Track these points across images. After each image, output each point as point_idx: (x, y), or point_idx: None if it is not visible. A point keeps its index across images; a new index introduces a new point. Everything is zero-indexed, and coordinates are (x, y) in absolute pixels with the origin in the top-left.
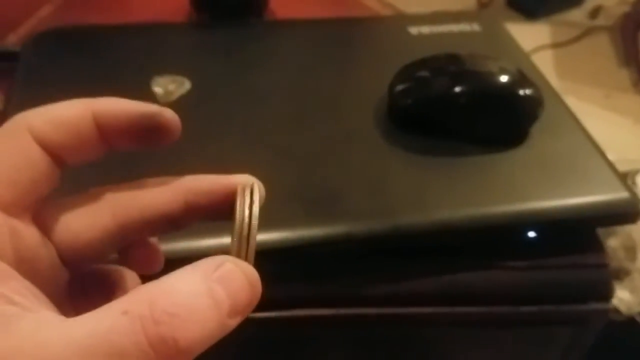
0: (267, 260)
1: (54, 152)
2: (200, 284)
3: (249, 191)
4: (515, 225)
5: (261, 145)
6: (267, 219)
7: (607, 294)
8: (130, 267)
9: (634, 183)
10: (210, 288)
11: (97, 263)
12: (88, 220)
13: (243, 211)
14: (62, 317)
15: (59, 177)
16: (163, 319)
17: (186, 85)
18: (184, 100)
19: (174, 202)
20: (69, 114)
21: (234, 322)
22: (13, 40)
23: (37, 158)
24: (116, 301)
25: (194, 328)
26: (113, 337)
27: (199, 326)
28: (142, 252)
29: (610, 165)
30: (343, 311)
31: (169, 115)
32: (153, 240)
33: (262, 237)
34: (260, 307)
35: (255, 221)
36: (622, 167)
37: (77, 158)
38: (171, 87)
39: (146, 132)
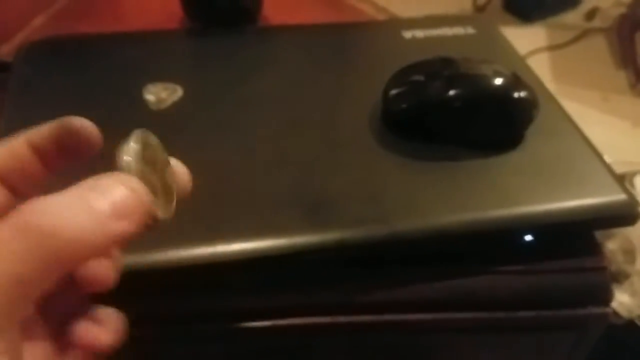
0: (262, 268)
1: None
2: (74, 193)
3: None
4: (512, 229)
5: (254, 152)
6: (262, 227)
7: (607, 298)
8: None
9: (631, 185)
10: (82, 195)
11: None
12: None
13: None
14: None
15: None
16: (32, 213)
17: (179, 92)
18: (176, 108)
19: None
20: (11, 143)
21: (121, 224)
22: (6, 50)
23: None
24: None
25: (63, 219)
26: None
27: (69, 219)
28: None
29: (608, 167)
30: (340, 319)
31: (79, 122)
32: None
33: (257, 245)
34: (256, 315)
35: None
36: (619, 170)
37: (24, 182)
38: (163, 94)
39: (67, 140)
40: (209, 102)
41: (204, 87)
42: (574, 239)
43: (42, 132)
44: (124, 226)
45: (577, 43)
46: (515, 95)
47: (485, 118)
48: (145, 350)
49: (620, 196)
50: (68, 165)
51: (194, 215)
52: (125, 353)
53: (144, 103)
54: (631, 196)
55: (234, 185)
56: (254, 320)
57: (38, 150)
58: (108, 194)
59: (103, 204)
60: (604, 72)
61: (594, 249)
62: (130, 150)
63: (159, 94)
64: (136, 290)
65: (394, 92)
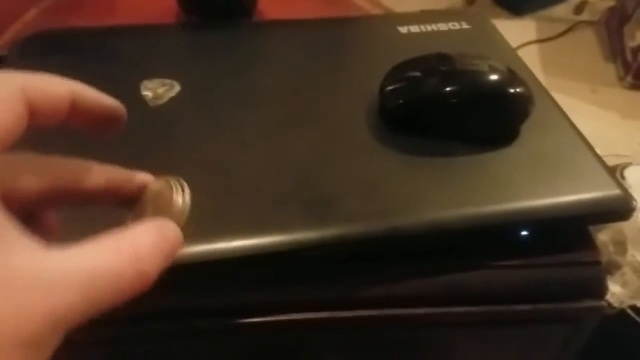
0: (260, 264)
1: (33, 113)
2: (154, 236)
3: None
4: (507, 224)
5: (252, 148)
6: (260, 223)
7: (602, 291)
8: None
9: (622, 177)
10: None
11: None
12: (30, 181)
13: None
14: (45, 246)
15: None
16: (143, 258)
17: (176, 88)
18: (173, 103)
19: (96, 184)
20: (59, 91)
21: (156, 269)
22: None
23: (20, 114)
24: (102, 240)
25: (154, 264)
26: (110, 269)
27: (155, 263)
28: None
29: (602, 162)
30: (338, 314)
31: (124, 116)
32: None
33: (255, 241)
34: (254, 311)
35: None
36: (609, 162)
37: (42, 122)
38: (160, 90)
39: (104, 121)
40: (206, 97)
41: (200, 83)
42: (569, 233)
43: (91, 98)
44: (145, 268)
45: (566, 36)
46: (511, 90)
47: (481, 113)
48: (140, 347)
49: (615, 191)
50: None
51: (190, 212)
52: (120, 349)
53: (141, 99)
54: (625, 191)
55: (231, 181)
56: (252, 316)
57: (74, 108)
58: (136, 237)
59: (129, 250)
60: (593, 65)
61: (589, 243)
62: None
63: (156, 90)
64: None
65: (390, 87)
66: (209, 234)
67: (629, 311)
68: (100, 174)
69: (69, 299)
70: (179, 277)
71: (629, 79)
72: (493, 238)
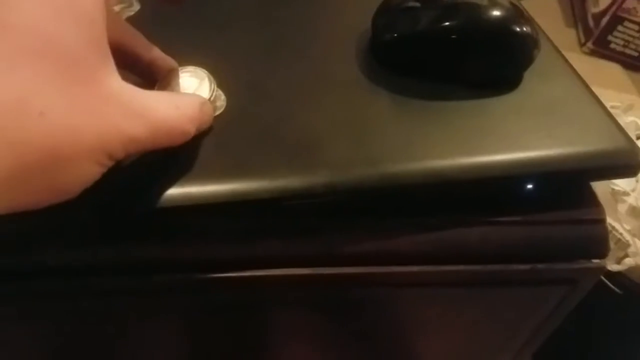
0: (239, 214)
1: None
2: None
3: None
4: (505, 176)
5: (226, 85)
6: (237, 168)
7: (603, 251)
8: None
9: None
10: (172, 98)
11: None
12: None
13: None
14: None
15: None
16: (191, 120)
17: (135, 6)
18: (132, 23)
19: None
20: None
21: (189, 126)
22: None
23: None
24: (166, 96)
25: (194, 127)
26: (171, 120)
27: (195, 128)
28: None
29: (608, 114)
30: (321, 270)
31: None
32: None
33: (231, 187)
34: (233, 266)
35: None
36: None
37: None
38: (117, 8)
39: (155, 73)
40: (170, 18)
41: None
42: (571, 189)
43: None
44: (190, 128)
45: (527, 0)
46: (517, 29)
47: (483, 53)
48: (100, 301)
49: (623, 144)
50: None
51: (161, 155)
52: (80, 304)
53: None
54: (634, 145)
55: None
56: (228, 271)
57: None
58: (188, 102)
59: (185, 110)
60: (554, 29)
61: (591, 200)
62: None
63: (113, 8)
64: (107, 236)
65: (383, 20)
66: (179, 179)
67: (603, 277)
68: (148, 46)
69: (140, 129)
70: (144, 225)
71: (590, 45)
72: (490, 192)
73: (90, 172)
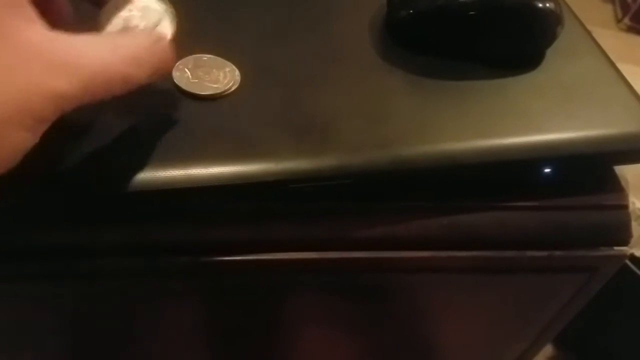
0: (246, 197)
1: None
2: (148, 45)
3: None
4: (524, 159)
5: (238, 61)
6: (244, 148)
7: (625, 238)
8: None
9: None
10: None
11: None
12: None
13: None
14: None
15: None
16: (136, 62)
17: None
18: None
19: None
20: None
21: (136, 71)
22: None
23: None
24: (102, 39)
25: (144, 70)
26: (106, 66)
27: (145, 70)
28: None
29: (635, 95)
30: (331, 255)
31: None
32: None
33: (239, 169)
34: (239, 249)
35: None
36: None
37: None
38: None
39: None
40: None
41: None
42: (593, 173)
43: None
44: (135, 73)
45: None
46: (539, 4)
47: (503, 30)
48: (103, 283)
49: None
50: None
51: (167, 135)
52: (82, 286)
53: None
54: None
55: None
56: (234, 254)
57: None
58: (132, 42)
59: (126, 51)
60: (589, 5)
61: (615, 184)
62: None
63: None
64: (107, 217)
65: None
66: (184, 159)
67: (628, 262)
68: None
69: (69, 82)
70: (149, 206)
71: (627, 21)
72: (507, 175)
73: (18, 139)
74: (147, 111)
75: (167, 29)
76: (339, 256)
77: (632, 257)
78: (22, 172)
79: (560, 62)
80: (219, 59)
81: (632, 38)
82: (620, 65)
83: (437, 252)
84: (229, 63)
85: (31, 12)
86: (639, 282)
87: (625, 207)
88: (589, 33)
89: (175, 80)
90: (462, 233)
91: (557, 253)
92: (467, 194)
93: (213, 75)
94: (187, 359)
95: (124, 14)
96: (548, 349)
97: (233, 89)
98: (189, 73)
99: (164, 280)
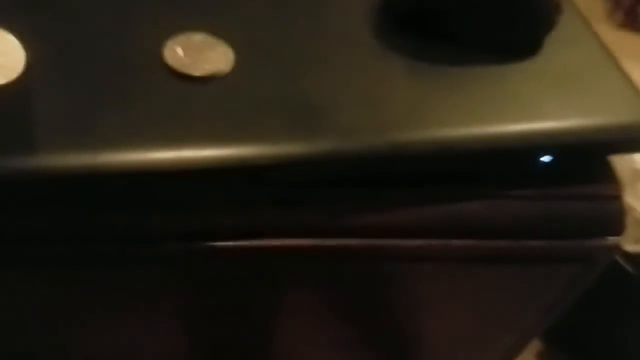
0: (239, 180)
1: None
2: None
3: None
4: (520, 148)
5: (229, 41)
6: (235, 131)
7: (620, 228)
8: None
9: None
10: None
11: None
12: None
13: None
14: None
15: None
16: None
17: None
18: None
19: None
20: None
21: None
22: None
23: None
24: None
25: None
26: None
27: None
28: None
29: (632, 85)
30: (324, 242)
31: None
32: None
33: (230, 151)
34: (229, 235)
35: None
36: None
37: None
38: None
39: None
40: None
41: None
42: (588, 162)
43: None
44: None
45: None
46: None
47: (502, 16)
48: (97, 269)
49: None
50: None
51: (157, 117)
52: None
53: None
54: None
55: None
56: (224, 240)
57: None
58: None
59: None
60: (581, 0)
61: (609, 175)
62: None
63: None
64: (93, 202)
65: None
66: (171, 140)
67: (618, 257)
68: None
69: None
70: (136, 191)
71: (619, 15)
72: (503, 163)
73: None
74: (137, 92)
75: None
76: (331, 243)
77: (623, 253)
78: None
79: (558, 50)
80: (212, 38)
81: (624, 33)
82: None
83: (432, 240)
84: (222, 43)
85: None
86: (628, 278)
87: (618, 197)
88: (587, 22)
89: (166, 61)
90: (455, 222)
91: (552, 242)
92: (462, 182)
93: (206, 56)
94: (176, 348)
95: None
96: (537, 346)
97: (226, 70)
98: (181, 53)
99: (155, 268)
